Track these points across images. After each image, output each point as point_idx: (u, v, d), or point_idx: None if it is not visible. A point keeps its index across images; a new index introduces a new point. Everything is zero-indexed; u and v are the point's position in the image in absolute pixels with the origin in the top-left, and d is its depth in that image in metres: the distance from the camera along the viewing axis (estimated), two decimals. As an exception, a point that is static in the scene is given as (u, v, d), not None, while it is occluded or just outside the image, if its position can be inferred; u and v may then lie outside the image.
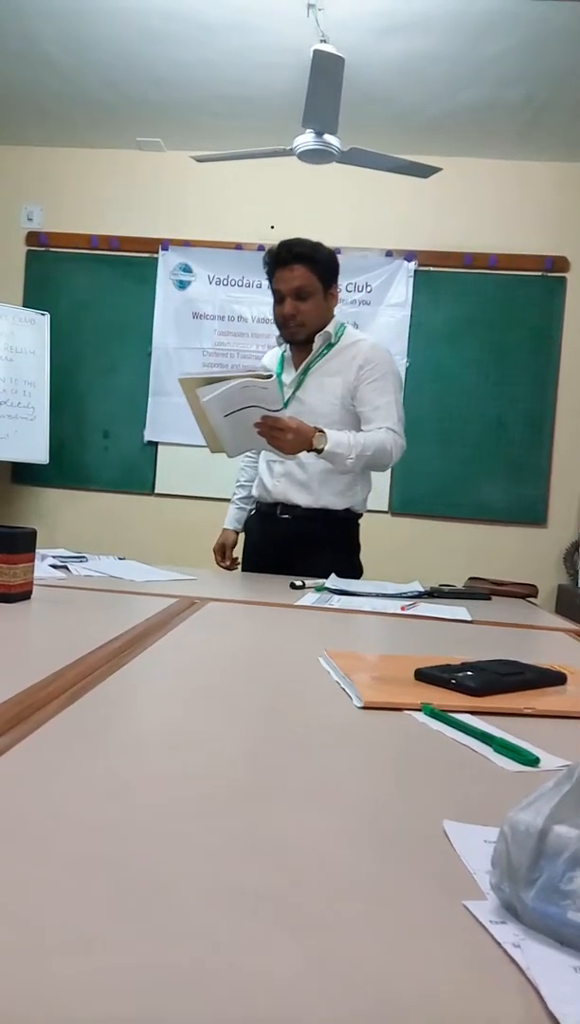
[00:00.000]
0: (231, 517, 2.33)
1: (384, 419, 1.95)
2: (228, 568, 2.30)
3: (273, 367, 2.14)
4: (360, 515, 2.13)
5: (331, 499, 2.02)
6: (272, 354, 2.22)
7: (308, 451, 1.83)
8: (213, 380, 1.68)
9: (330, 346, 2.05)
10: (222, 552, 2.31)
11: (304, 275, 1.94)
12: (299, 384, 2.04)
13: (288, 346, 2.12)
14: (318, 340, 2.03)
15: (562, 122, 3.70)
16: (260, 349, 4.21)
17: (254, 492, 2.19)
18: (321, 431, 1.82)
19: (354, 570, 2.06)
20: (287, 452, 1.82)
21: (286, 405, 2.00)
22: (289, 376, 2.09)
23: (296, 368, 2.08)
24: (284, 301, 1.98)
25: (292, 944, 0.35)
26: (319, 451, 1.82)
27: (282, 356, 2.15)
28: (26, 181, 4.37)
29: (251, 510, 2.25)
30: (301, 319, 1.97)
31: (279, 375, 2.07)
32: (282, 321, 2.01)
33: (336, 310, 2.10)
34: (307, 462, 1.98)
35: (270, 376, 1.69)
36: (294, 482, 2.03)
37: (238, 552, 2.31)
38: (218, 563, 2.30)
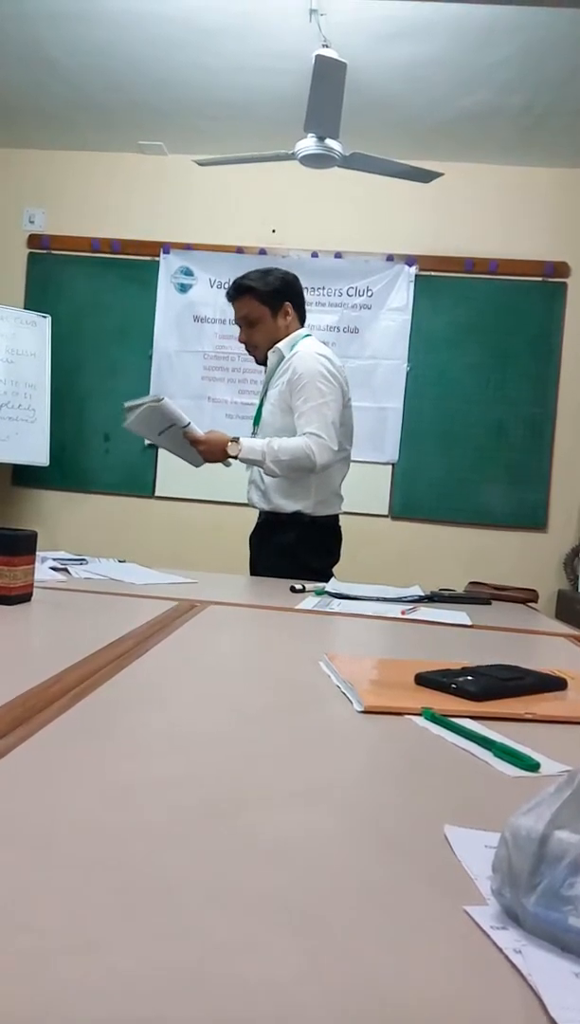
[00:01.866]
0: None
1: (306, 425, 2.10)
2: None
3: None
4: (317, 518, 2.17)
5: (281, 502, 2.17)
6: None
7: (228, 458, 2.07)
8: (132, 408, 2.05)
9: (284, 360, 2.22)
10: None
11: (247, 304, 2.19)
12: (263, 398, 2.28)
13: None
14: (271, 358, 2.23)
15: (563, 128, 3.71)
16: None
17: None
18: (235, 440, 2.06)
19: (303, 571, 1.97)
20: (211, 461, 2.12)
21: (258, 420, 2.29)
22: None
23: None
24: (241, 330, 2.25)
25: (293, 948, 0.35)
26: (235, 458, 2.06)
27: None
28: (28, 184, 4.38)
29: None
30: (253, 342, 2.24)
31: (262, 390, 2.33)
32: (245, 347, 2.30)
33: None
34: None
35: (160, 399, 2.03)
36: (255, 488, 2.24)
37: None
38: None
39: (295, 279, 2.24)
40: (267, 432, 2.17)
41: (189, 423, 2.08)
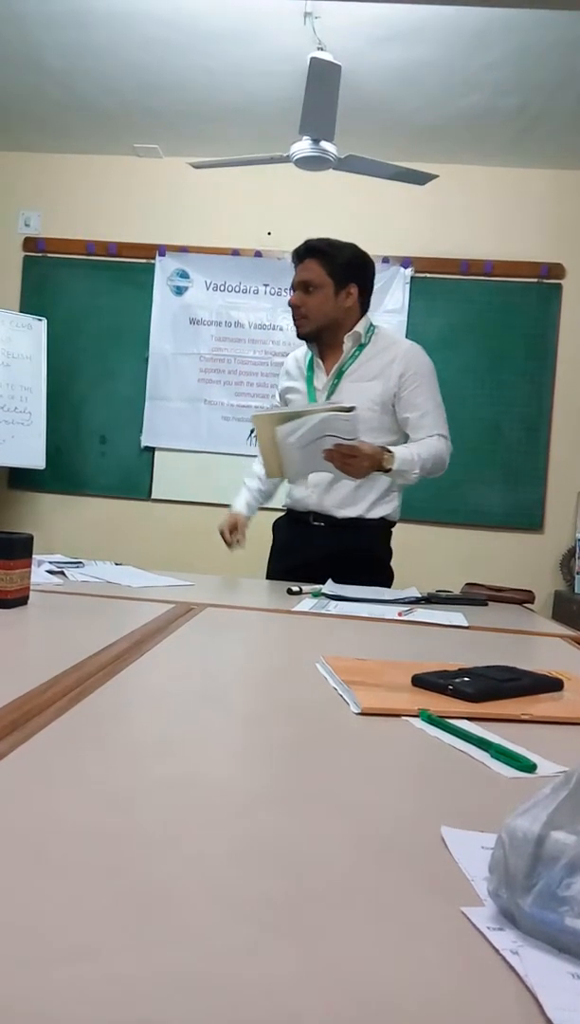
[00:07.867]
0: (241, 500, 2.20)
1: (434, 426, 1.96)
2: (237, 543, 2.11)
3: (303, 365, 2.11)
4: (394, 523, 2.12)
5: (375, 507, 2.01)
6: (299, 353, 2.17)
7: (382, 471, 1.85)
8: (290, 416, 1.73)
9: (361, 347, 2.02)
10: (233, 529, 2.12)
11: (313, 269, 1.97)
12: (333, 388, 2.01)
13: (314, 348, 2.09)
14: (348, 341, 2.02)
15: (557, 129, 3.72)
16: (257, 355, 4.21)
17: (285, 499, 2.15)
18: (388, 451, 1.84)
19: (388, 578, 2.10)
20: (358, 476, 1.84)
21: None
22: (320, 381, 2.06)
23: (327, 372, 2.05)
24: (294, 294, 2.01)
25: (290, 951, 0.35)
26: (387, 471, 1.85)
27: (310, 359, 2.10)
28: (24, 187, 4.38)
29: (282, 509, 2.19)
30: (304, 311, 1.99)
31: (310, 378, 2.07)
32: (292, 312, 2.03)
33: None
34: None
35: (352, 408, 1.72)
36: (327, 492, 1.99)
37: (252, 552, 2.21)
38: (226, 540, 2.11)
39: (371, 263, 2.04)
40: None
41: (357, 436, 1.80)
